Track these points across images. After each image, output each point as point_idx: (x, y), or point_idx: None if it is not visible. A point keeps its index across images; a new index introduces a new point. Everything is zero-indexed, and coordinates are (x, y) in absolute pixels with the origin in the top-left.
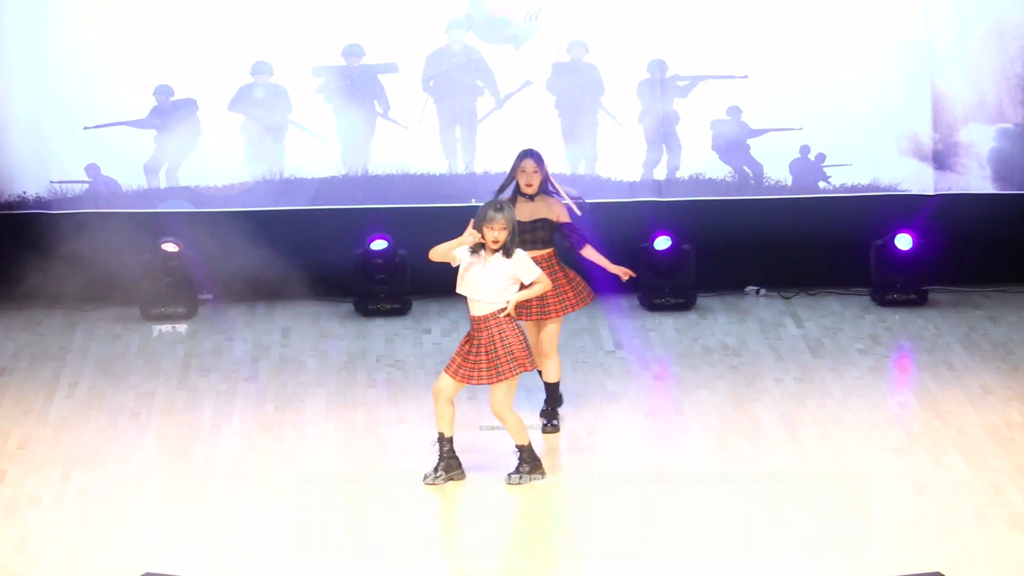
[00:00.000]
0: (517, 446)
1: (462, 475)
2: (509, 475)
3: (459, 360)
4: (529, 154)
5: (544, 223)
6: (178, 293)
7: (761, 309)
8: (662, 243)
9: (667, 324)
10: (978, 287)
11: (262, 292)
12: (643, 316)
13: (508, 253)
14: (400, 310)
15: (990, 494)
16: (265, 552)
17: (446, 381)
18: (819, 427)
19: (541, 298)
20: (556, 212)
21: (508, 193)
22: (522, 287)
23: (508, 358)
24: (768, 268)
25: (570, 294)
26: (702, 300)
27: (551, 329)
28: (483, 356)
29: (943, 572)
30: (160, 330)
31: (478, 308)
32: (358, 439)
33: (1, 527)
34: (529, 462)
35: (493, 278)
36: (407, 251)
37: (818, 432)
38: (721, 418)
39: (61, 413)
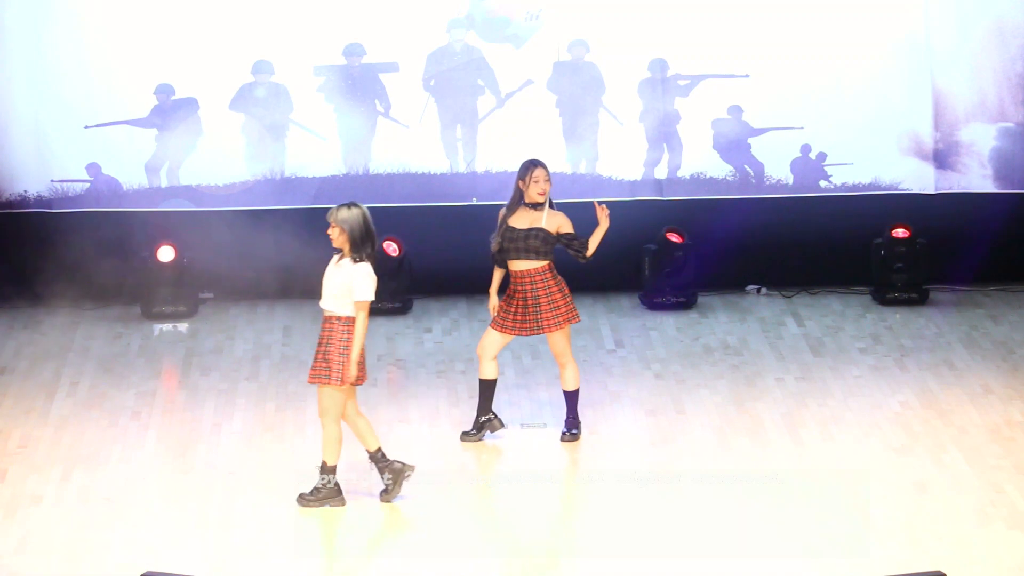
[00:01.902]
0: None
1: (342, 501)
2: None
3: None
4: (539, 163)
5: (538, 233)
6: (179, 292)
7: (762, 308)
8: (674, 237)
9: (668, 323)
10: (979, 286)
11: (263, 291)
12: (644, 315)
13: (354, 259)
14: (401, 309)
15: (991, 493)
16: (265, 552)
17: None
18: (820, 426)
19: (535, 311)
20: (557, 223)
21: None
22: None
23: (325, 364)
24: (769, 267)
25: (563, 308)
26: (703, 299)
27: (558, 340)
28: (319, 355)
29: (943, 572)
30: (161, 329)
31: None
32: None
33: (1, 527)
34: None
35: (331, 283)
36: (408, 250)
37: (819, 431)
38: (722, 417)
39: (62, 412)
